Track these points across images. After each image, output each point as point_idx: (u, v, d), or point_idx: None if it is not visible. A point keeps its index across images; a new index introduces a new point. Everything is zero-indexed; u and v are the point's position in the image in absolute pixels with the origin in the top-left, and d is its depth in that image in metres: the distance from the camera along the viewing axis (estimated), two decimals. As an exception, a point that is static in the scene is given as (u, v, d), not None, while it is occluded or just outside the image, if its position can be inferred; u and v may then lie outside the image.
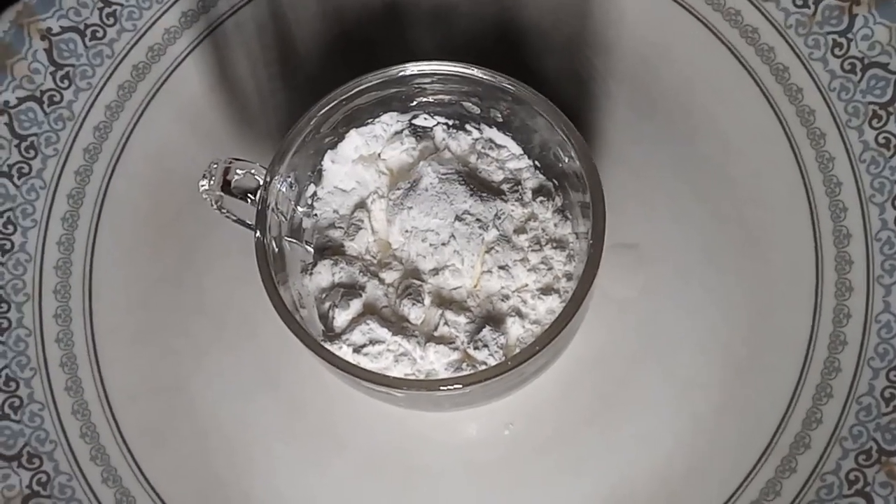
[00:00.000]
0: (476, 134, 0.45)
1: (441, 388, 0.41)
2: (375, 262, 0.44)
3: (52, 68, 0.51)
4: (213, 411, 0.48)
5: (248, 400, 0.48)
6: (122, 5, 0.51)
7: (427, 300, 0.43)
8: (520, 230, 0.44)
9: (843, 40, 0.49)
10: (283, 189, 0.43)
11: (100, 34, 0.51)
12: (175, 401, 0.48)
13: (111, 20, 0.51)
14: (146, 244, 0.50)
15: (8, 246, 0.50)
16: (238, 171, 0.43)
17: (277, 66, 0.51)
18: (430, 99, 0.45)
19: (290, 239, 0.44)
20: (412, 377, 0.42)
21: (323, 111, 0.43)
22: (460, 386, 0.40)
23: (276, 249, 0.43)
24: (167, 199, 0.50)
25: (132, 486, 0.47)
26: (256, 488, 0.47)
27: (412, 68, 0.43)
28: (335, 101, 0.43)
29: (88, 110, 0.51)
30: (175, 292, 0.50)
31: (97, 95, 0.51)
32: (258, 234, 0.42)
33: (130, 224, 0.50)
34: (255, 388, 0.48)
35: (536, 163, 0.45)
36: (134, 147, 0.51)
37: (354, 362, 0.42)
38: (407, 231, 0.43)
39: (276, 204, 0.43)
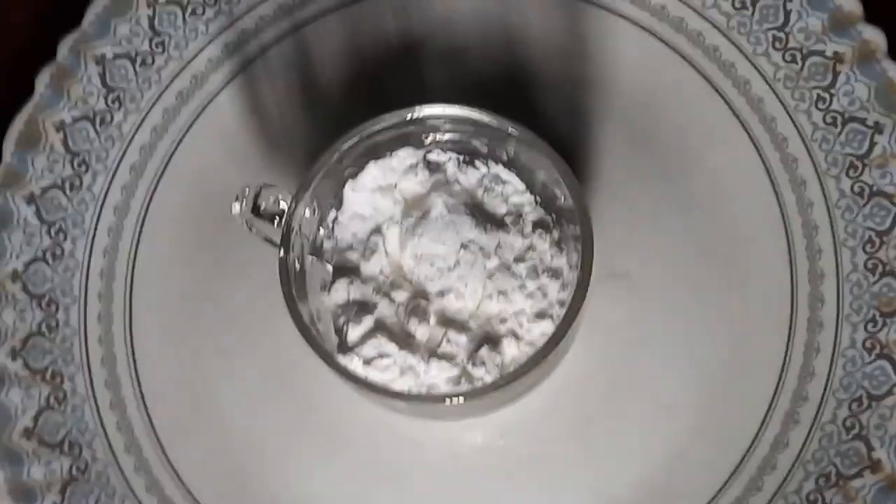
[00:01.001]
0: (484, 170, 0.47)
1: (443, 401, 0.44)
2: (388, 282, 0.46)
3: (104, 91, 0.54)
4: (235, 410, 0.50)
5: (267, 401, 0.50)
6: (170, 35, 0.55)
7: (432, 319, 0.45)
8: (519, 259, 0.46)
9: (827, 95, 0.52)
10: (307, 214, 0.46)
11: (149, 61, 0.54)
12: (202, 399, 0.51)
13: (160, 48, 0.54)
14: (182, 255, 0.52)
15: (59, 252, 0.52)
16: (267, 197, 0.46)
17: (303, 99, 0.54)
18: (443, 136, 0.48)
19: (311, 258, 0.47)
20: (415, 390, 0.45)
21: (345, 146, 0.46)
22: (460, 400, 0.43)
23: (299, 268, 0.46)
24: (203, 215, 0.53)
25: (161, 475, 0.50)
26: (270, 480, 0.50)
27: (427, 110, 0.46)
28: (356, 138, 0.46)
29: (136, 131, 0.54)
30: (206, 301, 0.52)
31: (144, 117, 0.54)
32: (282, 254, 0.45)
33: (169, 236, 0.53)
34: (273, 390, 0.50)
35: (537, 198, 0.47)
36: (175, 166, 0.53)
37: (364, 373, 0.44)
38: (417, 256, 0.46)
39: (299, 227, 0.46)
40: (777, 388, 0.49)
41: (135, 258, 0.53)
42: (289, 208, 0.46)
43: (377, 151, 0.47)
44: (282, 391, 0.51)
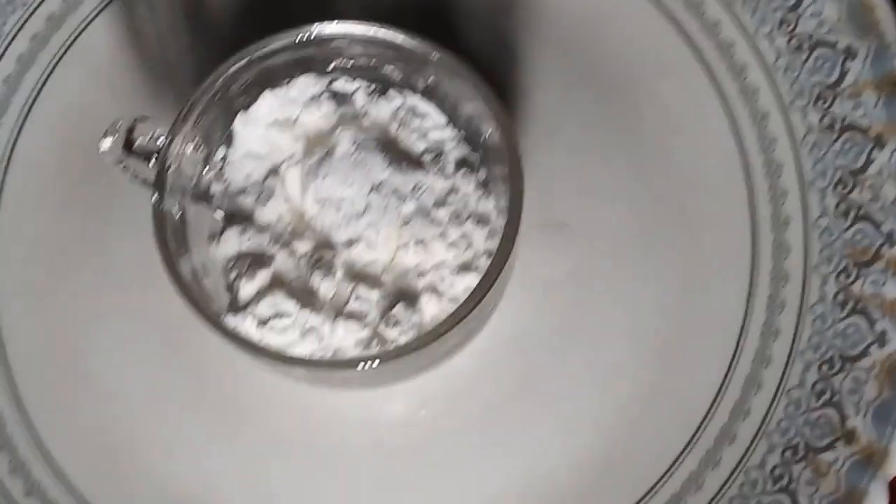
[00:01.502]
0: (398, 101, 0.44)
1: (352, 367, 0.40)
2: (287, 231, 0.43)
3: (-42, 15, 0.51)
4: (115, 381, 0.47)
5: (151, 370, 0.47)
6: (37, -49, 0.51)
7: (339, 273, 0.42)
8: (440, 203, 0.43)
9: (791, 16, 0.49)
10: (189, 151, 0.43)
11: (12, -20, 0.51)
12: (76, 370, 0.48)
13: (25, -35, 0.51)
14: (52, 204, 0.49)
15: None
16: (144, 132, 0.43)
17: (189, 24, 0.51)
18: (351, 62, 0.44)
19: (196, 203, 0.43)
20: (318, 354, 0.41)
21: (231, 70, 0.42)
22: (371, 364, 0.40)
23: (179, 214, 0.42)
24: (76, 158, 0.49)
25: (28, 456, 0.46)
26: (156, 460, 0.46)
27: (330, 28, 0.42)
28: (245, 60, 0.42)
29: (-2, 61, 0.51)
30: (80, 254, 0.49)
31: (8, 45, 0.50)
32: (155, 198, 0.41)
33: (36, 181, 0.50)
34: (158, 358, 0.48)
35: (461, 133, 0.44)
36: (44, 101, 0.50)
37: (258, 336, 0.41)
38: (321, 200, 0.42)
39: (179, 166, 0.42)
40: (736, 348, 0.46)
41: (-4, 207, 0.50)
42: (164, 143, 0.42)
43: (273, 79, 0.44)
44: (168, 359, 0.48)
